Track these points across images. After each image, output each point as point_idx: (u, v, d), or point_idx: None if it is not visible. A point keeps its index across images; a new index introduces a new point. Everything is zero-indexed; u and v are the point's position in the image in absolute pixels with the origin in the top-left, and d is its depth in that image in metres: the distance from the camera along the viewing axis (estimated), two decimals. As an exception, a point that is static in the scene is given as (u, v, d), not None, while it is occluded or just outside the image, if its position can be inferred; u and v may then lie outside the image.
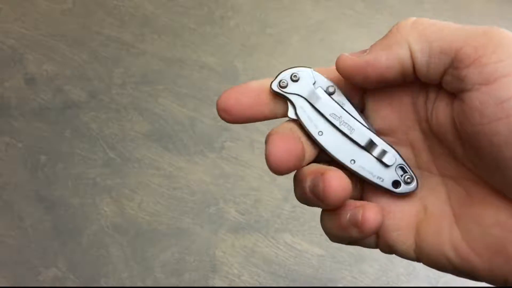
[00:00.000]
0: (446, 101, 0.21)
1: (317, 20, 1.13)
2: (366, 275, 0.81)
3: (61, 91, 0.98)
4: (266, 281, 0.80)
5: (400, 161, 0.23)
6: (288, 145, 0.23)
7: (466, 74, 0.19)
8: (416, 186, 0.23)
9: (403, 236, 0.23)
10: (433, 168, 0.24)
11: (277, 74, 0.24)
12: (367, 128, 0.23)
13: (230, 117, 0.24)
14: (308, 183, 0.23)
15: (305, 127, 0.24)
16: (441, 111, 0.22)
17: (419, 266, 0.82)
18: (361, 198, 0.25)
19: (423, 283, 0.81)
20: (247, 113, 0.24)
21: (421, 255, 0.23)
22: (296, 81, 0.24)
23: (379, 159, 0.23)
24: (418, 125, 0.23)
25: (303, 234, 0.83)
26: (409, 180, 0.23)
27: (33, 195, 0.85)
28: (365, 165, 0.24)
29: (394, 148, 0.23)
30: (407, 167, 0.23)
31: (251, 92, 0.24)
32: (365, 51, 0.22)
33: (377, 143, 0.23)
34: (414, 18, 0.22)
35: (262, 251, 0.82)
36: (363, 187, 0.25)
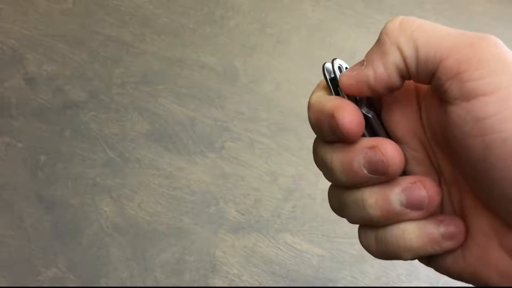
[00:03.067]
0: (437, 108, 0.22)
1: (317, 20, 1.13)
2: (366, 275, 0.81)
3: (61, 91, 0.98)
4: (266, 281, 0.80)
5: None
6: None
7: (447, 87, 0.20)
8: None
9: None
10: (439, 172, 0.24)
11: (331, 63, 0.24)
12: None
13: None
14: (399, 196, 0.22)
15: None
16: (433, 117, 0.22)
17: (420, 266, 0.82)
18: None
19: (424, 283, 0.81)
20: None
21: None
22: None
23: None
24: (423, 130, 0.24)
25: (303, 234, 0.83)
26: None
27: (33, 195, 0.85)
28: None
29: None
30: None
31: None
32: (362, 63, 0.22)
33: None
34: (400, 18, 0.21)
35: (262, 251, 0.82)
36: None
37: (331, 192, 0.25)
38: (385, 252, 0.23)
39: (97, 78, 1.00)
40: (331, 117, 0.22)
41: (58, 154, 0.90)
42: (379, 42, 0.22)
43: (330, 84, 0.24)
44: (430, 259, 0.23)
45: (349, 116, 0.21)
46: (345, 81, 0.23)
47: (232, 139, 0.93)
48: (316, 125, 0.23)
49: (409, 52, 0.21)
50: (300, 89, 0.99)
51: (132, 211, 0.85)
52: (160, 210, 0.85)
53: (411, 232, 0.22)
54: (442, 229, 0.22)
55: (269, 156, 0.91)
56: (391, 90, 0.22)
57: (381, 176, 0.22)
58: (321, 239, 0.83)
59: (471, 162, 0.19)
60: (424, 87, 0.23)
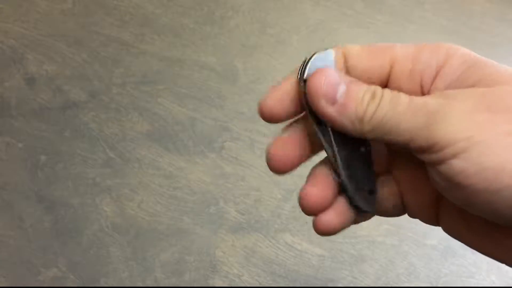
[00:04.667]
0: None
1: (317, 20, 1.13)
2: (366, 275, 0.81)
3: (61, 91, 0.98)
4: (266, 281, 0.80)
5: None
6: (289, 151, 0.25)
7: (418, 156, 0.21)
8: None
9: (425, 211, 0.25)
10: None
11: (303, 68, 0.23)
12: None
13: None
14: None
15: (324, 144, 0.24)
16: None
17: (420, 266, 0.82)
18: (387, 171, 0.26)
19: (423, 283, 0.81)
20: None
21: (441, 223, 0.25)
22: None
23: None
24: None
25: (303, 234, 0.83)
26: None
27: (33, 195, 0.85)
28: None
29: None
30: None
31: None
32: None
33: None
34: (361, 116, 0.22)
35: (262, 251, 0.82)
36: (392, 161, 0.26)
37: None
38: None
39: (97, 78, 1.00)
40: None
41: (58, 154, 0.90)
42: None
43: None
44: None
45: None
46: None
47: (232, 139, 0.93)
48: None
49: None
50: (300, 89, 0.99)
51: (132, 211, 0.85)
52: (160, 210, 0.85)
53: None
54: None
55: (269, 156, 0.90)
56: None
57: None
58: (321, 239, 0.83)
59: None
60: None
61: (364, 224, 0.95)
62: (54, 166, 0.88)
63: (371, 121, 0.21)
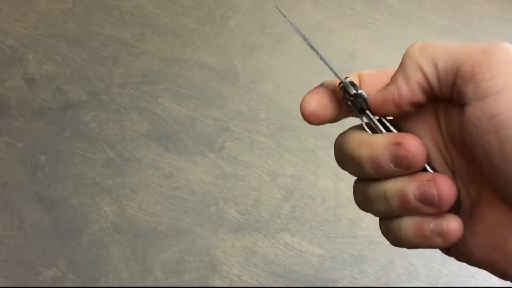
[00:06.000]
0: (457, 113, 0.24)
1: (317, 20, 1.13)
2: (366, 275, 0.81)
3: (61, 91, 0.98)
4: (266, 281, 0.80)
5: None
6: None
7: (464, 90, 0.22)
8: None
9: None
10: (454, 170, 0.26)
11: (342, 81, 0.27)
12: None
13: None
14: (413, 191, 0.24)
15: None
16: (453, 121, 0.24)
17: (420, 266, 0.82)
18: None
19: (423, 283, 0.81)
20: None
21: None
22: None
23: None
24: (440, 133, 0.25)
25: (303, 234, 0.83)
26: None
27: (33, 195, 0.85)
28: None
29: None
30: None
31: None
32: (386, 85, 0.25)
33: None
34: (420, 42, 0.24)
35: (262, 251, 0.82)
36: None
37: (356, 187, 0.27)
38: (396, 241, 0.25)
39: (97, 78, 1.00)
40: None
41: (58, 154, 0.90)
42: (402, 64, 0.24)
43: (355, 101, 0.26)
44: (447, 248, 0.25)
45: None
46: (372, 101, 0.25)
47: (232, 139, 0.93)
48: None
49: (429, 69, 0.23)
50: (300, 89, 0.99)
51: (132, 211, 0.85)
52: (160, 210, 0.85)
53: (407, 225, 0.24)
54: (432, 226, 0.23)
55: (269, 156, 0.91)
56: (415, 106, 0.24)
57: (405, 169, 0.24)
58: (321, 239, 0.83)
59: (488, 157, 0.21)
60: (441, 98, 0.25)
61: (364, 224, 0.95)
62: (54, 166, 0.89)
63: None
